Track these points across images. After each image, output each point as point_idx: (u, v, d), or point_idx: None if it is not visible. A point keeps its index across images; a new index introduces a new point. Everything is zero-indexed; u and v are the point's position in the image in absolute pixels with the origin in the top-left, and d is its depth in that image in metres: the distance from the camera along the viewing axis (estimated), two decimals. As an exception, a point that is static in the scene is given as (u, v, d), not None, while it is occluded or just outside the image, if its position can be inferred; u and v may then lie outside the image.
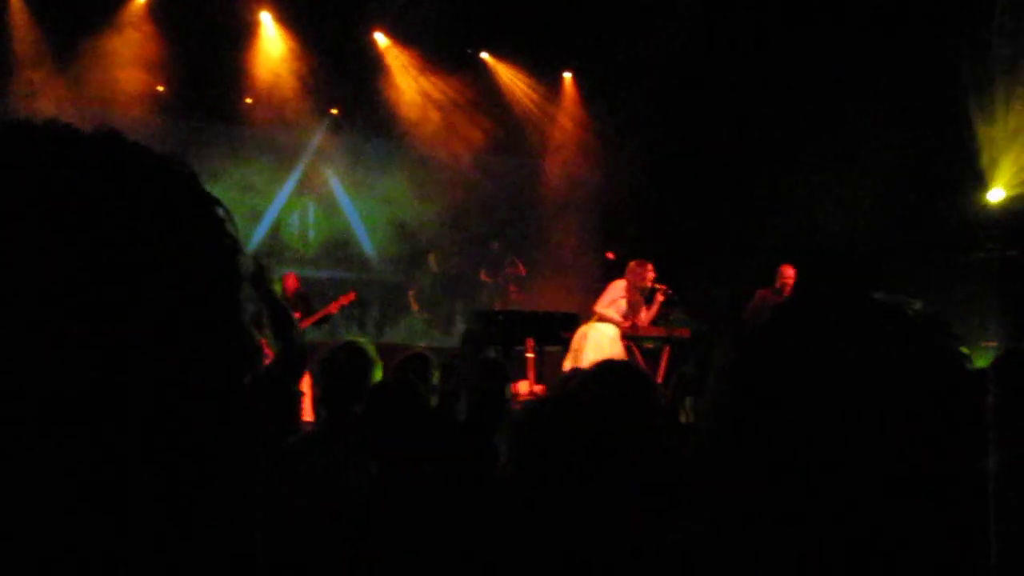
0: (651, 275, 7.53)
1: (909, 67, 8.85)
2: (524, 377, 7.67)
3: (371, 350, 3.19)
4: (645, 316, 7.64)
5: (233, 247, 0.64)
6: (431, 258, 12.06)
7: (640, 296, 7.53)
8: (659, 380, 7.57)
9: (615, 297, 7.56)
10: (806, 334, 0.78)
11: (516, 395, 6.25)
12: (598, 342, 7.31)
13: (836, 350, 0.75)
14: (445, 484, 2.40)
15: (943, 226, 9.18)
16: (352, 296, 9.39)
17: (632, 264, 7.60)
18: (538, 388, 7.50)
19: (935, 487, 0.71)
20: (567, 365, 7.18)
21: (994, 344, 8.10)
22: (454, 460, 2.69)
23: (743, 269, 9.31)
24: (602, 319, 7.56)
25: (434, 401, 3.54)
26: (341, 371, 2.98)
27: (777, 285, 8.25)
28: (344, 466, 2.58)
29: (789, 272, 8.26)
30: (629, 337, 7.93)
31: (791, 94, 9.45)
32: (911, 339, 0.75)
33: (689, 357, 6.75)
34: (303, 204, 12.94)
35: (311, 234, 13.07)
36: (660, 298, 7.64)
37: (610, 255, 8.95)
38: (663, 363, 8.05)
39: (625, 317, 7.53)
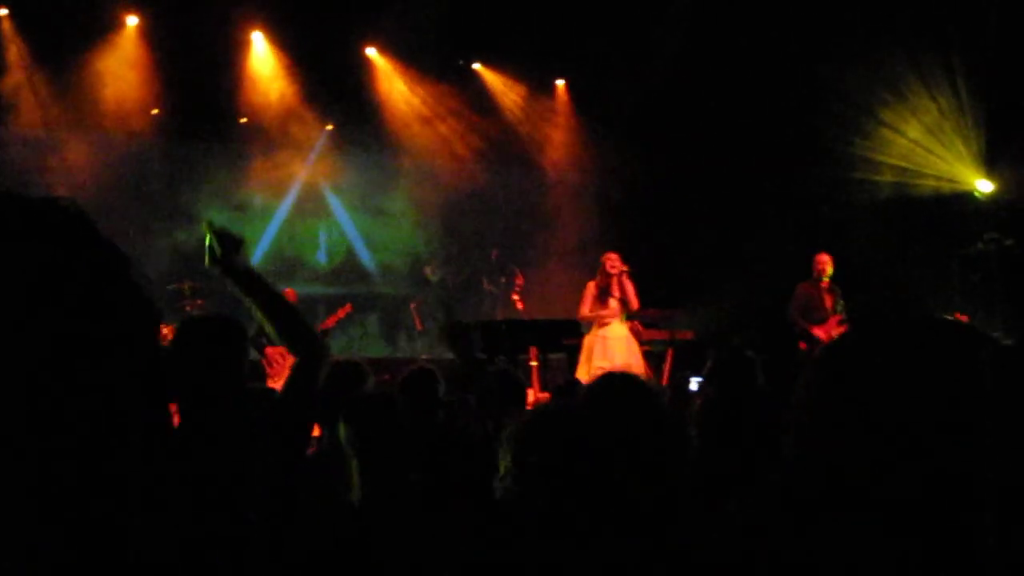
0: (610, 263, 7.59)
1: (897, 61, 8.87)
2: (529, 386, 7.65)
3: (362, 365, 3.23)
4: (632, 299, 7.56)
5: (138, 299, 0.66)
6: (428, 269, 12.01)
7: (608, 280, 7.59)
8: (664, 382, 7.58)
9: (586, 296, 7.70)
10: (890, 355, 0.79)
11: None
12: (610, 348, 7.37)
13: (926, 371, 0.76)
14: (440, 499, 2.39)
15: (938, 220, 9.16)
16: (348, 308, 9.35)
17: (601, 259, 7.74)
18: (543, 396, 7.48)
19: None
20: (581, 373, 7.18)
21: (999, 336, 8.04)
22: (455, 473, 2.66)
23: (746, 269, 9.30)
24: (589, 320, 7.67)
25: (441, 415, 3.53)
26: (334, 388, 2.96)
27: (814, 275, 7.99)
28: (340, 482, 2.57)
29: (824, 259, 7.97)
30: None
31: (785, 92, 9.46)
32: (992, 355, 0.77)
33: (700, 362, 6.71)
34: (316, 223, 12.82)
35: (326, 252, 12.98)
36: (624, 277, 7.61)
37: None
38: (667, 365, 8.04)
39: (597, 303, 7.63)
